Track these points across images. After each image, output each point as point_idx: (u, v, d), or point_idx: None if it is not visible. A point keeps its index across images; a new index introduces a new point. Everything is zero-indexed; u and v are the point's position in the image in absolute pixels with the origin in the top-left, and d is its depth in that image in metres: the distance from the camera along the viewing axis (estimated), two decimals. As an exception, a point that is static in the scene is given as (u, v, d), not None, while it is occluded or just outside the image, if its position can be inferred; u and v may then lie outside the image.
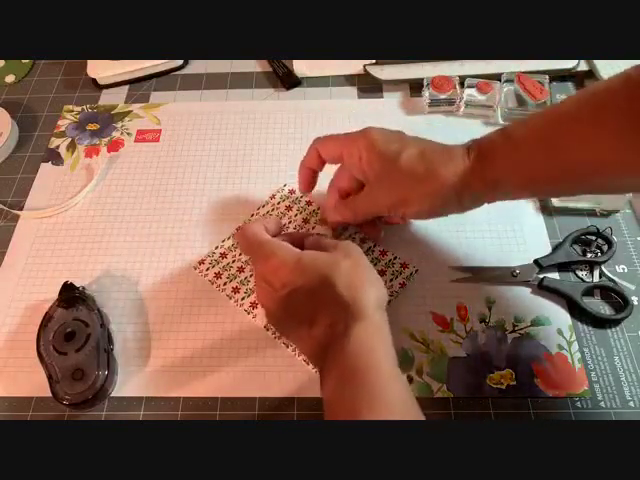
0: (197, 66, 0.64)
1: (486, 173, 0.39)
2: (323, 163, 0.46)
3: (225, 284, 0.47)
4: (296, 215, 0.50)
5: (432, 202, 0.41)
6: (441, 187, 0.40)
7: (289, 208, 0.51)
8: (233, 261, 0.48)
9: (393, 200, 0.42)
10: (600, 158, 0.35)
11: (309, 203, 0.51)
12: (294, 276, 0.37)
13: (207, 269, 0.48)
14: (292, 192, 0.52)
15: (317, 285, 0.36)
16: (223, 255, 0.48)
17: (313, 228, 0.49)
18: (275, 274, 0.38)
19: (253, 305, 0.45)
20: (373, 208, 0.44)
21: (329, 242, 0.41)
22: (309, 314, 0.36)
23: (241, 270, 0.47)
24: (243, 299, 0.46)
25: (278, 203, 0.51)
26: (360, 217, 0.46)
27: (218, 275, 0.47)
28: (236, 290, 0.46)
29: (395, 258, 0.47)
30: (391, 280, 0.46)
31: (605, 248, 0.47)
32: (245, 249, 0.45)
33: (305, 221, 0.50)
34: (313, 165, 0.46)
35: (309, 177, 0.47)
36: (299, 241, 0.42)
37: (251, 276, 0.47)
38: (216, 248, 0.49)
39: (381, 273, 0.46)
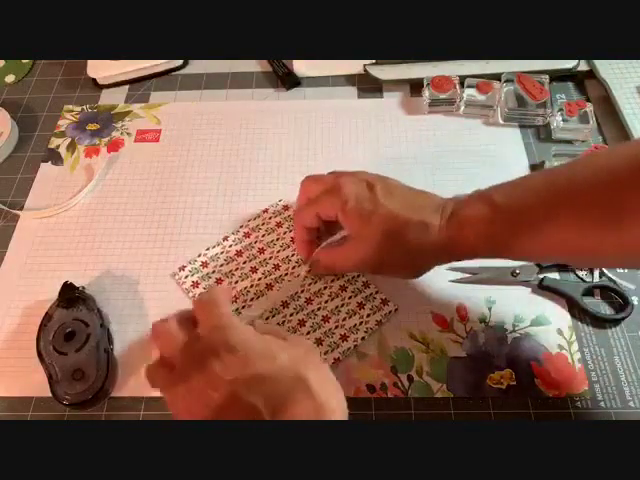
0: (197, 66, 0.64)
1: (465, 243, 0.38)
2: (313, 230, 0.44)
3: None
4: (285, 233, 0.49)
5: (404, 270, 0.42)
6: (415, 255, 0.40)
7: (279, 224, 0.50)
8: (213, 272, 0.47)
9: (368, 263, 0.41)
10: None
11: None
12: (260, 364, 0.31)
13: (186, 276, 0.47)
14: (286, 208, 0.51)
15: (289, 381, 0.31)
16: (204, 264, 0.48)
17: None
18: (233, 357, 0.31)
19: None
20: (350, 267, 0.43)
21: (284, 331, 0.37)
22: (272, 409, 0.30)
23: (219, 282, 0.47)
24: None
25: (269, 218, 0.50)
26: (338, 271, 0.45)
27: (195, 284, 0.46)
28: None
29: (377, 292, 0.45)
30: (368, 315, 0.44)
31: (605, 248, 0.47)
32: (202, 315, 0.35)
33: (294, 240, 0.48)
34: (306, 237, 0.44)
35: (308, 249, 0.45)
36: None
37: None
38: (199, 256, 0.48)
39: (360, 306, 0.45)
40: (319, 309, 0.45)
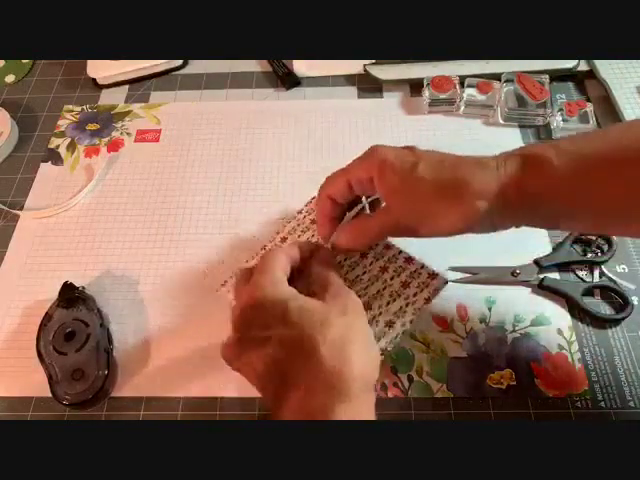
0: (197, 66, 0.64)
1: (529, 186, 0.33)
2: (340, 205, 0.40)
3: None
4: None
5: (459, 216, 0.35)
6: (471, 197, 0.34)
7: (314, 222, 0.47)
8: None
9: (413, 216, 0.36)
10: None
11: None
12: (274, 319, 0.33)
13: (228, 291, 0.44)
14: None
15: (297, 344, 0.31)
16: None
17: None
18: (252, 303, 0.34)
19: None
20: (388, 228, 0.38)
21: (334, 281, 0.36)
22: (279, 371, 0.32)
23: None
24: None
25: (304, 217, 0.48)
26: (371, 240, 0.41)
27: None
28: None
29: (422, 267, 0.41)
30: (415, 294, 0.40)
31: (605, 248, 0.47)
32: (256, 271, 0.37)
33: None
34: (330, 212, 0.40)
35: (331, 226, 0.41)
36: (310, 253, 0.39)
37: None
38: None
39: (404, 285, 0.41)
40: (359, 297, 0.38)
